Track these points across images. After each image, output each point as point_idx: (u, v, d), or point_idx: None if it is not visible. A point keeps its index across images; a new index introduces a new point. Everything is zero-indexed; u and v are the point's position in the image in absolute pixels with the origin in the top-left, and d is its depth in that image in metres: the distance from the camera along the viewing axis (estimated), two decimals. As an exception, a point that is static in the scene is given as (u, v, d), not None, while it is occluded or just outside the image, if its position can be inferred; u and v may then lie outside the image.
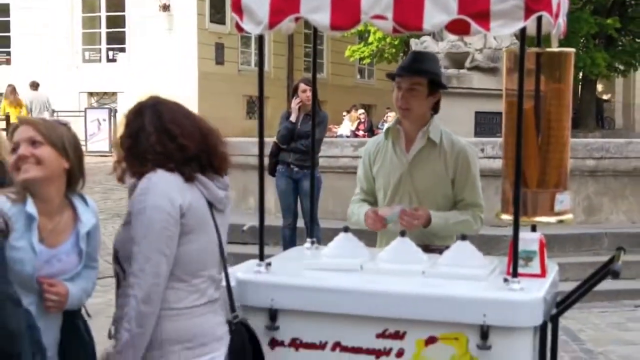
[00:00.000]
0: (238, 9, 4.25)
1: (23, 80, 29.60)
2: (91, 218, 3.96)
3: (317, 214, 5.54)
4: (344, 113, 29.30)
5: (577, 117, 24.29)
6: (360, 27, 4.46)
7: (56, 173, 3.74)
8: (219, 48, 31.15)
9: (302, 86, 11.24)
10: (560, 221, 4.60)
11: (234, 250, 11.85)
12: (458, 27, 4.45)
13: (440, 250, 4.53)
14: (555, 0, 3.93)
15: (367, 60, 30.68)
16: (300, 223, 11.10)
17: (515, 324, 3.87)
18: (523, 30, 3.95)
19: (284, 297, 4.13)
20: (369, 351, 4.01)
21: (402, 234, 4.45)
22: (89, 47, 31.79)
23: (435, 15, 3.95)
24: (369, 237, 5.13)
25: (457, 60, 15.01)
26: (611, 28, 30.20)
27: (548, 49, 4.59)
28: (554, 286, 4.36)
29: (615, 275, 4.15)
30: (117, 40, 31.31)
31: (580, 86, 32.32)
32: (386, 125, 22.28)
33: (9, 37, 33.06)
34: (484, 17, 3.87)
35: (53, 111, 27.07)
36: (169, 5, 29.94)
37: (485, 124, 14.07)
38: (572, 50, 4.81)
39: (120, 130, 3.71)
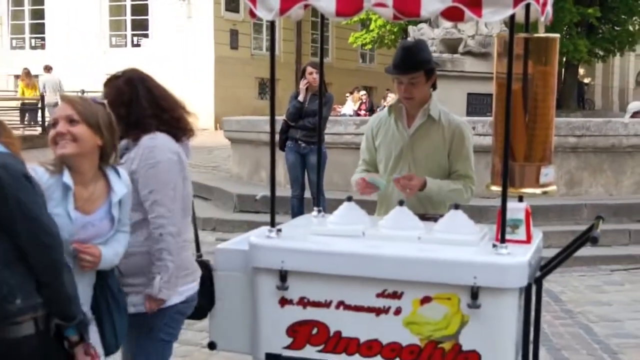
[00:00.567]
0: (252, -4, 4.25)
1: (56, 63, 29.62)
2: (122, 188, 3.96)
3: (323, 186, 5.53)
4: (347, 94, 29.23)
5: (561, 98, 24.22)
6: (362, 15, 4.46)
7: (90, 149, 3.76)
8: (234, 34, 31.10)
9: (309, 69, 11.27)
10: (545, 192, 4.61)
11: (248, 218, 11.94)
12: (452, 14, 4.45)
13: (435, 219, 4.54)
14: (542, -11, 3.92)
15: (369, 46, 30.57)
16: (307, 194, 11.13)
17: (503, 285, 3.88)
18: (512, 17, 3.94)
19: (293, 260, 4.13)
20: (369, 309, 4.02)
21: (401, 203, 4.47)
22: (116, 34, 31.78)
23: (432, 2, 3.94)
24: (371, 206, 5.13)
25: (451, 45, 14.98)
26: (592, 17, 30.10)
27: (535, 35, 4.58)
28: (538, 251, 4.38)
29: (594, 241, 4.13)
30: (141, 27, 31.27)
31: (563, 70, 32.22)
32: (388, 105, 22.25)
33: (43, 25, 33.09)
34: (476, 5, 3.85)
35: (63, 92, 27.12)
36: (187, -4, 29.96)
37: (476, 105, 14.07)
38: (557, 36, 4.79)
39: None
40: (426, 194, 4.98)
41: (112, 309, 4.14)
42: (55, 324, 3.45)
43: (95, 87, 28.02)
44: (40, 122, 25.51)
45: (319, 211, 5.03)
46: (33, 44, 33.66)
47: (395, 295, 3.99)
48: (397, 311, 3.99)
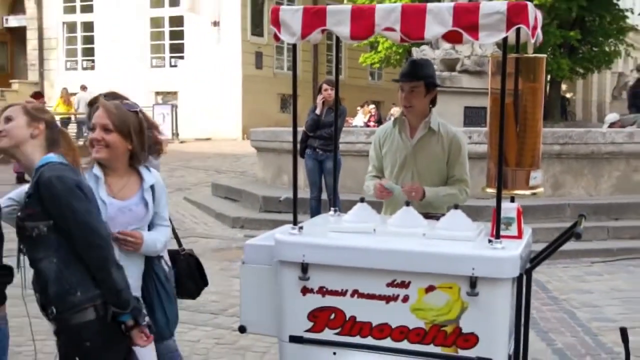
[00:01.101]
0: (276, 22, 4.27)
1: (104, 83, 29.68)
2: (152, 178, 4.12)
3: (338, 188, 5.55)
4: (358, 108, 29.24)
5: (546, 111, 23.98)
6: (372, 38, 4.46)
7: (120, 153, 3.91)
8: (258, 56, 31.12)
9: (325, 86, 11.29)
10: (534, 194, 4.64)
11: (272, 217, 11.95)
12: (452, 37, 4.45)
13: (437, 217, 4.56)
14: (532, 15, 3.92)
15: (377, 65, 30.56)
16: (324, 195, 11.14)
17: (498, 276, 3.88)
18: (505, 40, 3.98)
19: (313, 254, 4.13)
20: (380, 297, 4.03)
21: (407, 204, 4.50)
22: (156, 56, 31.85)
23: (434, 27, 3.99)
24: (379, 206, 5.18)
25: (450, 64, 14.98)
26: (573, 39, 30.01)
27: (525, 55, 4.58)
28: (528, 246, 4.38)
29: (578, 237, 4.14)
30: (177, 50, 31.33)
31: (548, 86, 32.10)
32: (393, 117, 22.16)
33: (93, 48, 33.16)
34: (473, 29, 3.90)
35: None
36: (218, 22, 29.93)
37: (472, 117, 14.07)
38: (544, 56, 4.82)
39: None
40: (425, 202, 5.02)
41: (162, 296, 4.23)
42: (112, 311, 3.48)
43: (139, 103, 28.27)
44: (75, 135, 25.34)
45: (335, 211, 5.05)
46: (84, 66, 33.78)
47: (403, 285, 3.99)
48: (405, 299, 4.00)
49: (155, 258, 4.28)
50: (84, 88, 27.92)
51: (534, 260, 4.33)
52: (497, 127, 4.21)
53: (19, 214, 3.53)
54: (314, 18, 4.21)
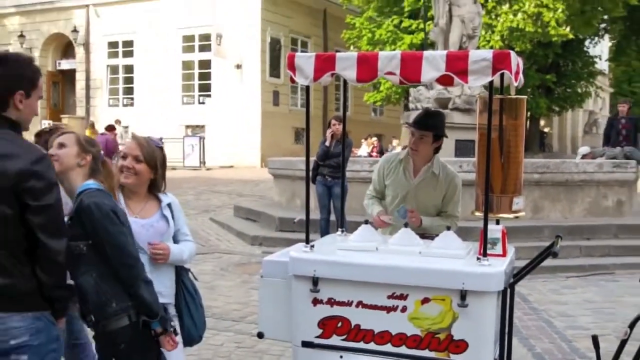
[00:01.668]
0: (292, 67, 4.30)
1: (141, 118, 29.87)
2: (168, 199, 4.27)
3: (345, 211, 5.55)
4: (363, 140, 29.29)
5: (527, 144, 24.07)
6: (375, 80, 4.48)
7: (144, 180, 4.10)
8: (275, 94, 31.27)
9: (333, 121, 11.32)
10: (516, 217, 4.62)
11: (287, 236, 11.94)
12: (445, 80, 4.43)
13: (432, 237, 4.54)
14: (514, 62, 3.95)
15: (379, 103, 30.68)
16: (332, 217, 11.13)
17: (485, 289, 3.88)
18: (491, 83, 4.02)
19: (323, 269, 4.12)
20: (382, 307, 4.01)
21: (406, 225, 4.52)
22: (186, 94, 32.02)
23: (430, 72, 4.03)
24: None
25: (443, 103, 14.99)
26: (550, 82, 30.20)
27: (508, 96, 4.58)
28: (512, 263, 4.37)
29: (555, 255, 4.15)
30: (205, 89, 31.50)
31: (528, 122, 32.19)
32: (398, 149, 22.22)
33: (132, 88, 33.40)
34: (463, 74, 3.93)
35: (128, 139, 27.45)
36: (241, 65, 30.10)
37: (462, 149, 14.08)
38: (525, 97, 4.85)
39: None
40: (422, 228, 5.04)
41: (189, 304, 4.29)
42: (142, 319, 3.52)
43: (172, 135, 28.54)
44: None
45: (342, 231, 5.07)
46: (125, 103, 33.98)
47: (402, 297, 3.98)
48: (403, 309, 3.98)
49: (184, 270, 4.33)
50: (118, 122, 28.13)
51: (517, 275, 4.33)
52: (484, 158, 4.23)
53: None
54: (324, 63, 4.24)
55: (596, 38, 37.34)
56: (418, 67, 4.03)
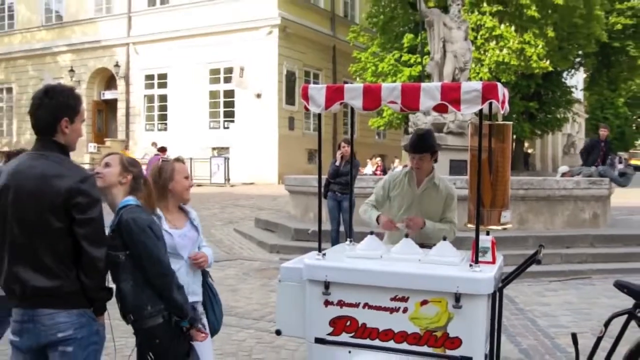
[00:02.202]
0: (306, 97, 4.33)
1: (174, 140, 29.98)
2: (193, 211, 4.31)
3: (352, 223, 5.54)
4: (368, 160, 29.27)
5: (513, 163, 24.02)
6: (378, 108, 4.50)
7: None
8: (291, 120, 31.32)
9: (342, 143, 11.33)
10: (504, 228, 4.61)
11: (302, 245, 11.91)
12: (440, 108, 4.48)
13: (430, 247, 4.51)
14: (501, 92, 3.98)
15: (382, 127, 30.63)
16: (342, 228, 11.11)
17: (477, 292, 3.87)
18: (481, 111, 4.03)
19: (334, 274, 4.12)
20: (385, 309, 4.01)
21: (406, 235, 4.52)
22: (213, 120, 32.09)
23: (427, 101, 4.06)
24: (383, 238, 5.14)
25: (438, 127, 14.98)
26: (533, 108, 30.18)
27: (496, 122, 4.58)
28: (500, 269, 4.35)
29: (539, 262, 4.18)
30: (229, 115, 31.57)
31: (514, 144, 32.17)
32: (399, 168, 22.20)
33: (166, 114, 33.55)
34: (456, 103, 3.96)
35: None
36: (260, 94, 30.18)
37: (456, 168, 14.05)
38: (511, 123, 4.85)
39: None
40: (424, 231, 5.02)
41: (212, 301, 4.36)
42: (174, 319, 3.54)
43: (200, 156, 28.68)
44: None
45: (350, 241, 5.06)
46: (159, 128, 34.10)
47: (403, 299, 3.97)
48: (405, 310, 3.98)
49: (207, 274, 4.39)
50: (154, 144, 28.29)
51: (505, 280, 4.31)
52: (475, 176, 4.26)
53: None
54: (334, 94, 4.26)
55: (572, 70, 37.47)
56: (417, 97, 4.05)
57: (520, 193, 11.83)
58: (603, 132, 16.14)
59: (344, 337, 4.10)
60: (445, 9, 17.20)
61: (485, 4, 25.45)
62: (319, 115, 4.59)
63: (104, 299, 3.41)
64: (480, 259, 4.06)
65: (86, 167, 24.10)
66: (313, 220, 13.89)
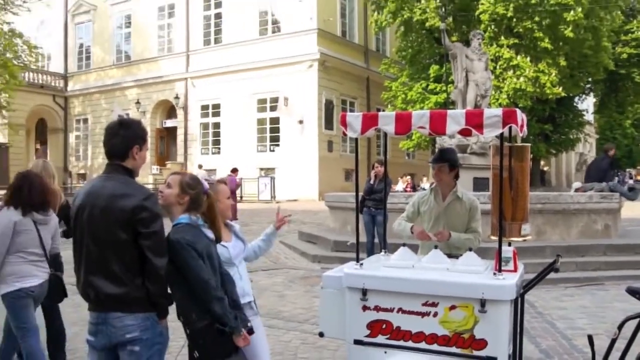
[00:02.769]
0: (344, 124, 4.33)
1: (226, 163, 30.26)
2: (235, 226, 4.36)
3: (386, 236, 5.52)
4: (399, 178, 29.16)
5: (530, 180, 23.77)
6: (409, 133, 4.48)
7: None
8: (330, 143, 31.41)
9: (376, 164, 11.30)
10: (524, 239, 4.54)
11: (340, 255, 11.88)
12: (464, 132, 4.41)
13: (457, 257, 4.45)
14: (519, 117, 3.93)
15: (412, 149, 30.55)
16: (376, 240, 11.06)
17: (500, 298, 3.80)
18: (502, 134, 3.97)
19: (371, 282, 4.09)
20: (417, 313, 3.95)
21: (436, 247, 4.46)
22: (260, 144, 32.35)
23: (453, 126, 4.02)
24: (414, 249, 5.08)
25: (463, 148, 14.85)
26: (547, 130, 29.83)
27: (515, 144, 4.54)
28: (522, 277, 4.26)
29: (557, 270, 4.12)
30: (275, 139, 31.80)
31: (531, 163, 31.81)
32: (426, 185, 22.00)
33: (219, 140, 33.89)
34: (479, 127, 3.91)
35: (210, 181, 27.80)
36: (302, 121, 30.36)
37: (479, 184, 13.92)
38: (529, 144, 4.81)
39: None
40: (451, 242, 4.95)
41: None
42: (216, 326, 3.50)
43: (249, 175, 28.87)
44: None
45: (385, 252, 5.02)
46: (213, 151, 34.46)
47: (434, 304, 3.92)
48: (435, 314, 3.92)
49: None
50: (200, 166, 28.57)
51: (526, 286, 4.22)
52: (497, 192, 4.20)
53: None
54: (369, 121, 4.25)
55: (583, 95, 37.04)
56: (443, 122, 4.01)
57: (538, 207, 11.63)
58: (612, 151, 15.80)
59: (380, 338, 4.06)
60: (467, 43, 17.13)
61: (502, 38, 25.28)
62: (356, 140, 4.58)
63: (165, 304, 3.45)
64: (503, 268, 3.99)
65: (150, 186, 24.46)
66: (350, 233, 13.86)
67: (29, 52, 30.40)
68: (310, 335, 6.92)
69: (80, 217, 3.36)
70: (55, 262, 5.36)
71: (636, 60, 33.53)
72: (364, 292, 4.08)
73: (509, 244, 4.45)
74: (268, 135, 32.05)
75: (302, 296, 9.33)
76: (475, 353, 3.83)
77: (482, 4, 24.81)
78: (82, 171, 39.25)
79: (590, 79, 32.06)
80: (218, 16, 34.00)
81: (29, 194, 4.95)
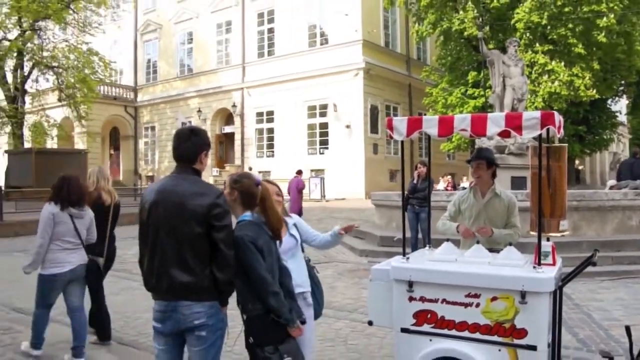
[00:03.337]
0: (390, 127, 4.30)
1: (280, 165, 30.49)
2: (292, 220, 4.38)
3: (430, 231, 5.47)
4: (440, 178, 28.80)
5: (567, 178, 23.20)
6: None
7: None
8: (375, 146, 31.25)
9: (419, 165, 11.24)
10: (562, 235, 4.43)
11: (386, 250, 11.83)
12: (503, 134, 4.37)
13: (498, 251, 4.38)
14: (557, 119, 3.84)
15: (452, 150, 30.09)
16: (419, 236, 10.98)
17: (540, 290, 3.72)
18: (540, 135, 3.89)
19: (417, 275, 4.06)
20: (461, 304, 3.91)
21: (478, 242, 4.38)
22: (311, 147, 32.41)
23: (493, 128, 3.96)
24: (456, 244, 5.01)
25: (501, 149, 14.60)
26: (582, 131, 28.99)
27: (553, 145, 4.44)
28: (560, 270, 4.16)
29: (594, 264, 4.03)
30: (324, 143, 31.83)
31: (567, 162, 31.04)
32: (466, 184, 21.70)
33: (273, 144, 34.10)
34: (518, 129, 3.85)
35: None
36: (350, 125, 30.30)
37: (516, 183, 13.67)
38: (566, 145, 4.68)
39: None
40: (492, 237, 4.86)
41: (315, 291, 4.38)
42: (271, 316, 3.50)
43: (303, 177, 28.87)
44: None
45: (429, 247, 4.96)
46: (268, 154, 34.72)
47: (476, 296, 3.87)
48: (477, 305, 3.87)
49: (314, 268, 4.48)
50: (250, 169, 28.75)
51: (565, 279, 4.13)
52: (536, 190, 4.11)
53: None
54: (414, 124, 4.22)
55: (616, 97, 35.80)
56: (484, 125, 3.95)
57: (574, 204, 11.34)
58: None
59: (426, 327, 4.03)
60: (503, 50, 16.83)
61: (537, 45, 24.74)
62: (402, 142, 4.55)
63: (230, 292, 3.50)
64: (542, 262, 3.92)
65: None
66: (395, 229, 13.79)
67: (104, 68, 31.21)
68: (359, 324, 6.91)
69: (154, 213, 3.43)
70: (97, 249, 6.03)
71: (668, 63, 32.39)
72: (410, 284, 4.05)
73: (548, 239, 4.36)
74: (318, 139, 32.11)
75: (350, 287, 9.32)
76: (516, 341, 3.76)
77: (518, 13, 24.31)
78: (150, 174, 40.07)
79: (623, 82, 31.04)
80: (270, 31, 34.26)
81: (67, 192, 5.52)
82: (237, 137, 35.82)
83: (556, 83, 24.08)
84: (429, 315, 4.01)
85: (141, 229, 3.51)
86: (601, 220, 11.80)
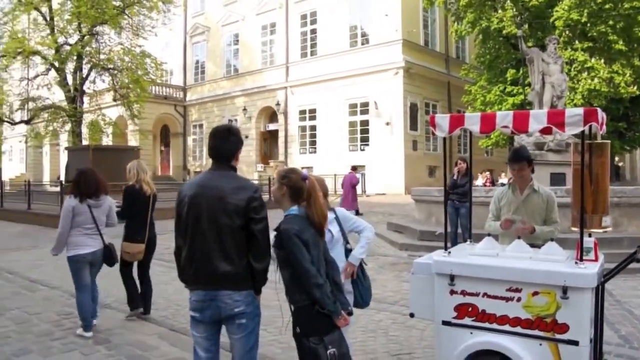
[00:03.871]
0: (433, 124, 4.25)
1: (322, 161, 30.48)
2: (332, 214, 4.36)
3: (470, 226, 5.38)
4: (479, 174, 28.35)
5: (604, 174, 22.57)
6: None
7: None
8: (414, 142, 30.94)
9: (459, 161, 11.10)
10: (604, 231, 4.31)
11: (426, 244, 11.71)
12: (545, 131, 4.22)
13: (539, 246, 4.28)
14: (600, 116, 3.74)
15: (490, 147, 29.61)
16: (458, 231, 10.83)
17: (582, 286, 3.62)
18: (582, 132, 3.77)
19: (458, 269, 4.01)
20: (502, 298, 3.84)
21: (519, 237, 4.30)
22: (352, 144, 32.31)
23: (535, 125, 3.87)
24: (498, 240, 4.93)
25: (540, 146, 14.28)
26: (621, 128, 28.13)
27: (595, 141, 4.30)
28: (602, 266, 4.03)
29: (638, 260, 3.90)
30: (365, 140, 31.69)
31: (605, 158, 30.18)
32: (504, 180, 21.34)
33: (315, 141, 34.14)
34: (561, 125, 3.75)
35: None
36: (390, 122, 30.08)
37: (556, 179, 13.33)
38: (609, 141, 4.56)
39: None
40: (534, 235, 4.76)
41: (358, 285, 4.44)
42: (316, 308, 3.47)
43: (341, 172, 28.93)
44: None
45: (470, 241, 4.89)
46: (310, 151, 34.77)
47: (517, 290, 3.80)
48: (518, 299, 3.79)
49: (362, 260, 4.53)
50: (283, 164, 28.73)
51: (606, 276, 4.01)
52: (579, 187, 3.98)
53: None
54: (456, 121, 4.15)
55: (658, 94, 34.61)
56: (526, 121, 3.86)
57: (615, 200, 10.99)
58: None
59: (467, 320, 3.97)
60: (542, 48, 16.44)
61: (577, 42, 24.08)
62: (444, 138, 4.49)
63: (264, 281, 3.55)
64: (584, 257, 3.81)
65: (255, 182, 25.04)
66: (434, 224, 13.64)
67: (155, 69, 31.75)
68: (399, 316, 6.86)
69: (196, 206, 3.48)
70: (139, 235, 6.62)
71: None
72: (452, 277, 4.00)
73: (589, 235, 4.24)
74: (359, 136, 31.98)
75: (391, 280, 9.27)
76: (558, 336, 3.68)
77: (557, 11, 23.70)
78: (198, 169, 40.63)
79: (664, 78, 30.03)
80: (313, 32, 34.26)
81: (85, 186, 6.06)
82: (281, 134, 35.97)
83: (596, 80, 23.43)
84: (470, 309, 3.95)
85: (179, 221, 3.56)
86: (642, 217, 11.42)
